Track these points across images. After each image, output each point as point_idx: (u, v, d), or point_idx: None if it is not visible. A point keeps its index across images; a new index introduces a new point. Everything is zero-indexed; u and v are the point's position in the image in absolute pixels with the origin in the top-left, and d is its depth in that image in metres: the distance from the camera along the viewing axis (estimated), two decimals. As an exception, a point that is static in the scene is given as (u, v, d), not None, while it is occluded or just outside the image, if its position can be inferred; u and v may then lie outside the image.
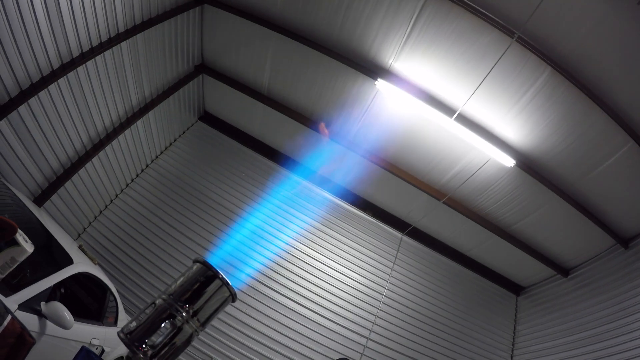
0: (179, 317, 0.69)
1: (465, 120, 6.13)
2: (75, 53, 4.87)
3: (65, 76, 4.87)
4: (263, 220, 7.83)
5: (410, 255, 8.46)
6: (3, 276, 2.19)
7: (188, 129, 8.71)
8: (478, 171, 6.64)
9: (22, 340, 1.54)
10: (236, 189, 8.16)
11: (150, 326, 0.71)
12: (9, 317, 1.53)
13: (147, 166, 7.94)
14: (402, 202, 8.30)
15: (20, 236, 2.33)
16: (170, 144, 8.39)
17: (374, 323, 7.49)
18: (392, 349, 7.41)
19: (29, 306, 2.54)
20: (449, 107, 6.11)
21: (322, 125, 7.37)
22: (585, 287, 6.98)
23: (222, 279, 0.77)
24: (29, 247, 2.34)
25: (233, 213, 7.80)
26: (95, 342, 3.54)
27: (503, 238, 7.56)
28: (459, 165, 6.85)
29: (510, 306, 8.65)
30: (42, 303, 2.71)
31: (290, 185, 8.40)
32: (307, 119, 7.59)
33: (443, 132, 6.37)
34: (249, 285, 7.16)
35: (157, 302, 0.76)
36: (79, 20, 4.62)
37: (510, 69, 5.41)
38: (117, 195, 7.45)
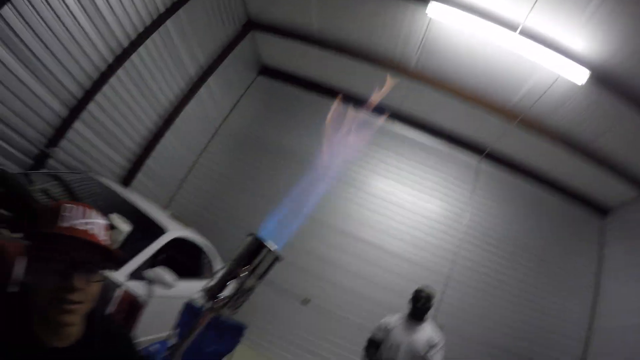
0: (241, 276, 0.90)
1: (528, 34, 5.47)
2: (125, 43, 5.17)
3: (122, 66, 5.23)
4: (339, 161, 8.01)
5: (488, 181, 8.18)
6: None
7: (250, 85, 8.88)
8: (548, 90, 6.04)
9: (134, 305, 1.87)
10: (307, 135, 8.27)
11: (222, 284, 0.93)
12: (122, 288, 1.84)
13: (217, 129, 8.42)
14: (474, 127, 7.92)
15: (117, 219, 2.70)
16: (236, 104, 8.69)
17: (457, 253, 7.57)
18: (475, 278, 7.51)
19: (136, 275, 2.99)
20: (509, 22, 5.51)
21: (380, 59, 7.15)
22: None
23: (268, 247, 0.95)
24: (124, 227, 2.72)
25: (308, 159, 8.02)
26: (197, 296, 4.03)
27: (583, 157, 7.02)
28: (526, 86, 6.28)
29: (595, 230, 8.13)
30: (147, 270, 3.16)
31: (360, 123, 8.37)
32: (363, 56, 7.33)
33: (505, 52, 5.82)
34: (330, 224, 7.56)
35: (226, 266, 0.97)
36: (118, 12, 4.84)
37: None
38: (195, 161, 8.07)
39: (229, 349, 3.47)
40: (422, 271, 7.41)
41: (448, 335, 6.88)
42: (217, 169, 8.18)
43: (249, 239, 0.96)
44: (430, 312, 3.63)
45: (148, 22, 5.37)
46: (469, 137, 8.21)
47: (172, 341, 3.34)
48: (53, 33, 4.12)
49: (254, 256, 0.95)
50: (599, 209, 8.22)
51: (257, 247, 0.95)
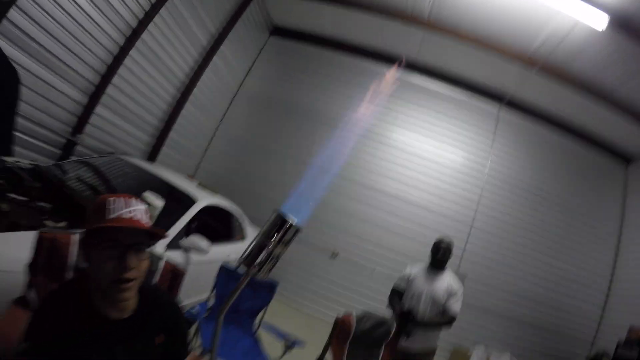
0: (269, 247, 1.08)
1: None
2: (133, 24, 5.25)
3: (134, 47, 5.35)
4: (361, 116, 8.05)
5: (509, 129, 8.07)
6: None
7: (263, 47, 8.86)
8: (567, 36, 5.82)
9: (175, 274, 2.10)
10: (326, 92, 8.34)
11: (255, 253, 1.11)
12: (163, 260, 2.07)
13: (235, 95, 8.55)
14: (493, 75, 7.75)
15: (150, 196, 2.92)
16: (251, 68, 8.74)
17: (479, 202, 7.66)
18: (498, 226, 7.61)
19: (173, 246, 3.26)
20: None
21: (392, 11, 6.97)
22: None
23: (289, 222, 1.11)
24: (159, 203, 2.94)
25: (329, 116, 8.04)
26: (231, 257, 4.34)
27: (606, 105, 6.83)
28: (545, 32, 6.00)
29: (618, 178, 8.08)
30: (182, 239, 3.42)
31: (378, 76, 8.30)
32: (375, 8, 7.12)
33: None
34: (354, 180, 7.72)
35: (256, 240, 1.14)
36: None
37: None
38: (217, 128, 8.30)
39: (263, 304, 3.76)
40: (446, 221, 7.56)
41: (472, 283, 7.17)
42: (239, 133, 8.38)
43: (274, 215, 1.11)
44: (450, 262, 3.79)
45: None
46: (488, 85, 8.06)
47: (211, 302, 3.65)
48: (61, 25, 4.24)
49: (278, 229, 1.10)
50: (622, 158, 8.14)
51: (280, 221, 1.10)
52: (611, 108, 6.88)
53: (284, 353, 3.34)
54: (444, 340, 6.96)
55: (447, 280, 3.62)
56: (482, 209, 7.65)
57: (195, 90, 7.03)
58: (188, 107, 7.02)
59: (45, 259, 1.81)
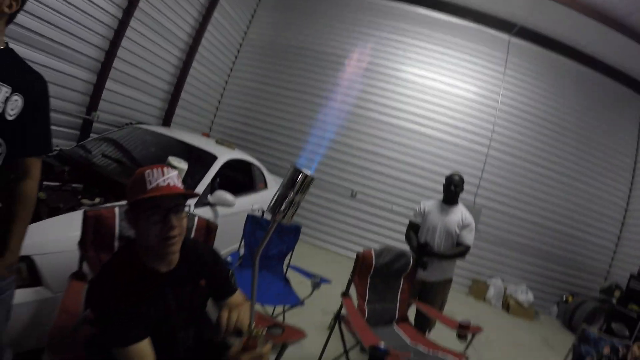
0: (290, 196, 1.24)
1: None
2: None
3: (132, 17, 5.42)
4: (369, 52, 7.99)
5: (521, 57, 7.93)
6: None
7: (262, -6, 8.70)
8: None
9: (209, 228, 2.34)
10: (331, 33, 8.29)
11: (278, 202, 1.27)
12: (196, 217, 2.31)
13: (240, 47, 8.60)
14: (503, 3, 7.53)
15: (174, 161, 3.10)
16: (252, 18, 8.72)
17: (493, 131, 7.68)
18: (513, 156, 7.69)
19: (201, 202, 3.50)
20: None
21: None
22: None
23: (305, 173, 1.28)
24: (183, 165, 3.13)
25: (337, 55, 8.06)
26: (255, 207, 4.62)
27: (621, 31, 6.61)
28: None
29: (634, 108, 7.93)
30: (209, 196, 3.66)
31: (381, 11, 8.19)
32: None
33: None
34: (368, 116, 7.85)
35: (278, 192, 1.31)
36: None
37: None
38: (226, 83, 8.43)
39: (290, 247, 4.05)
40: (461, 152, 7.71)
41: (488, 213, 7.37)
42: (248, 85, 8.52)
43: (291, 169, 1.28)
44: (464, 197, 3.94)
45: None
46: (498, 13, 7.85)
47: (241, 251, 3.95)
48: (56, 11, 4.32)
49: (296, 181, 1.27)
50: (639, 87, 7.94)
51: (297, 174, 1.27)
52: (627, 34, 6.68)
53: (313, 291, 3.62)
54: (464, 274, 7.35)
55: (459, 213, 3.79)
56: (496, 141, 7.69)
57: (200, 49, 7.10)
58: (195, 66, 7.14)
59: (94, 234, 2.02)
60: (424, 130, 7.79)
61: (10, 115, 1.42)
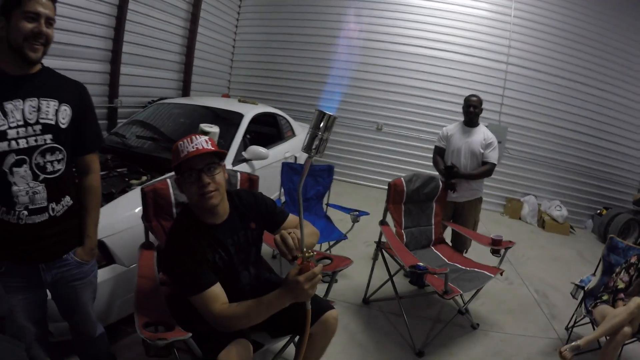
0: (319, 135, 1.41)
1: None
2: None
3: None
4: None
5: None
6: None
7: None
8: None
9: (251, 180, 2.59)
10: None
11: (310, 142, 1.44)
12: (239, 173, 2.56)
13: (240, 1, 8.60)
14: None
15: (205, 127, 3.29)
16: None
17: (509, 46, 7.45)
18: (533, 70, 7.45)
19: (237, 159, 3.76)
20: None
21: None
22: None
23: (328, 114, 1.43)
24: (215, 129, 3.33)
25: None
26: (287, 154, 4.87)
27: None
28: None
29: None
30: (243, 152, 3.90)
31: None
32: None
33: None
34: (382, 48, 7.79)
35: (308, 134, 1.47)
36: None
37: None
38: (234, 40, 8.56)
39: (326, 187, 4.30)
40: (480, 71, 7.57)
41: (515, 131, 7.35)
42: (256, 38, 8.57)
43: (316, 113, 1.44)
44: (485, 118, 3.97)
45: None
46: None
47: (282, 198, 4.23)
48: (57, 14, 4.43)
49: (320, 122, 1.44)
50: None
51: (322, 115, 1.44)
52: None
53: (353, 225, 3.89)
54: (497, 194, 7.46)
55: (481, 133, 3.89)
56: (513, 56, 7.47)
57: (202, 13, 7.18)
58: (201, 31, 7.27)
59: (153, 206, 2.27)
60: (439, 54, 7.63)
61: (63, 124, 1.64)
